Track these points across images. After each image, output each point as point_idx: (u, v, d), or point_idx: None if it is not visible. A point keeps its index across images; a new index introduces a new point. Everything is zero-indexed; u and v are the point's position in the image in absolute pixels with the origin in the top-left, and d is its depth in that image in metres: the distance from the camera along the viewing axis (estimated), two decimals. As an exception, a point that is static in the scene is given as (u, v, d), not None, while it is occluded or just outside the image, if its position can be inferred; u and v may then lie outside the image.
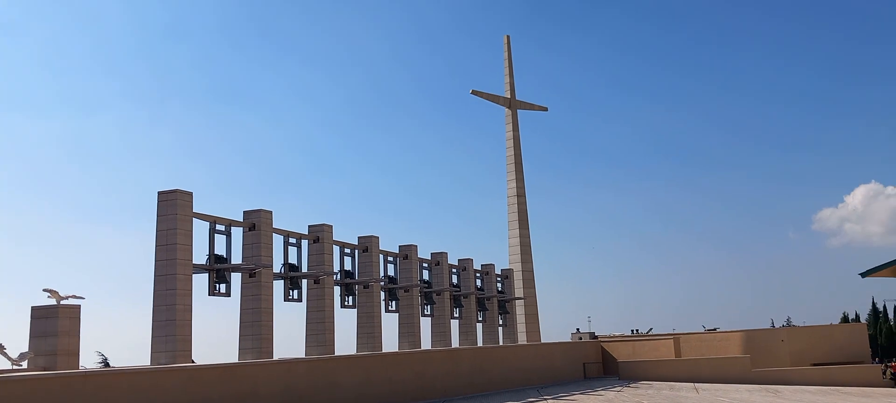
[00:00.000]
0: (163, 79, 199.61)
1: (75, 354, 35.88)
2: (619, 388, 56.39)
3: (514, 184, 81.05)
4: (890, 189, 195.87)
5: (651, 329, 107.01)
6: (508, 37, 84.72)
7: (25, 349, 35.29)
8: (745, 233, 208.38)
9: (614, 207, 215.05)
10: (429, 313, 60.32)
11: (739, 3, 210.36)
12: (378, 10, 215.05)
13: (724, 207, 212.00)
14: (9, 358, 34.97)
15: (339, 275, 51.64)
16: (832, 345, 67.45)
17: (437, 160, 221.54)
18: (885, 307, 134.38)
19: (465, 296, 64.57)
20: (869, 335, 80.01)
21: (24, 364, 34.85)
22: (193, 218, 40.43)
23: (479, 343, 65.85)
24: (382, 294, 55.30)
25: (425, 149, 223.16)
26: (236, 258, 43.55)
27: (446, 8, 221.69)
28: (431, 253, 61.43)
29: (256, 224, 44.31)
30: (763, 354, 66.46)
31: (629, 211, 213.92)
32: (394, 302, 56.78)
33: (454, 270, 64.27)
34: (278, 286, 46.66)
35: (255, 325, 43.17)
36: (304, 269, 48.47)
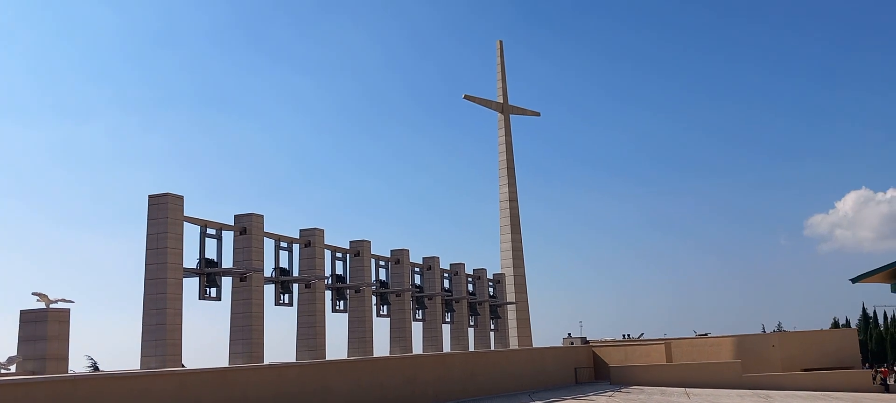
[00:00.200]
0: (154, 85, 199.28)
1: (64, 359, 35.65)
2: (610, 393, 56.38)
3: (507, 189, 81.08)
4: (880, 195, 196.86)
5: (642, 334, 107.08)
6: (501, 42, 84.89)
7: (14, 353, 35.04)
8: (737, 239, 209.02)
9: (606, 213, 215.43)
10: (420, 317, 60.23)
11: (730, 12, 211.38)
12: (370, 16, 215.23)
13: (715, 213, 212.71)
14: (-3, 363, 34.72)
15: (330, 280, 51.52)
16: (823, 351, 67.63)
17: (430, 164, 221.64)
18: (875, 312, 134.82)
19: (457, 301, 64.50)
20: (859, 340, 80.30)
21: (13, 369, 34.59)
22: (184, 222, 40.27)
23: (471, 348, 65.77)
24: (374, 298, 55.20)
25: (417, 154, 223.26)
26: (227, 262, 43.40)
27: (438, 13, 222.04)
28: (423, 258, 61.36)
29: (247, 228, 44.17)
30: (754, 359, 66.58)
31: (621, 217, 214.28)
32: (385, 307, 56.67)
33: (446, 275, 64.19)
34: (269, 290, 46.54)
35: (246, 329, 43.00)
36: (295, 273, 48.34)
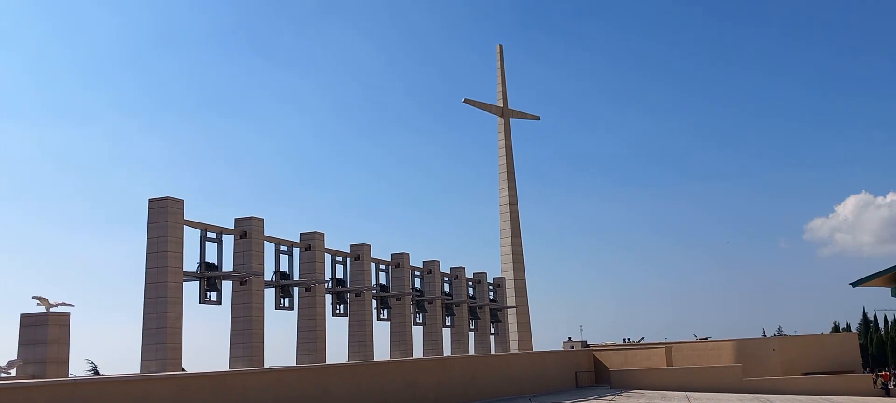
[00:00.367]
0: (153, 88, 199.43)
1: (65, 362, 35.58)
2: (610, 397, 56.36)
3: (507, 193, 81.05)
4: (880, 199, 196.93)
5: (643, 338, 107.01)
6: (501, 46, 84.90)
7: (14, 357, 35.00)
8: (737, 243, 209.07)
9: (606, 216, 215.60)
10: (421, 321, 60.19)
11: (730, 17, 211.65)
12: (370, 20, 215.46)
13: (715, 217, 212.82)
14: (-3, 366, 34.68)
15: (330, 283, 51.49)
16: (823, 355, 67.59)
17: (430, 168, 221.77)
18: (875, 316, 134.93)
19: (457, 305, 64.46)
20: (860, 344, 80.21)
21: (13, 373, 34.54)
22: (184, 226, 40.25)
23: (472, 352, 65.71)
24: (374, 302, 55.16)
25: (418, 158, 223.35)
26: (227, 266, 43.36)
27: (439, 17, 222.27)
28: (423, 262, 61.34)
29: (248, 231, 44.16)
30: (755, 363, 66.53)
31: (621, 221, 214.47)
32: (385, 311, 56.62)
33: (446, 279, 64.16)
34: (269, 294, 46.47)
35: (246, 333, 42.96)
36: (296, 277, 48.31)
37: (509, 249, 79.70)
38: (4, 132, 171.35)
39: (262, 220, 45.01)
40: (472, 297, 67.61)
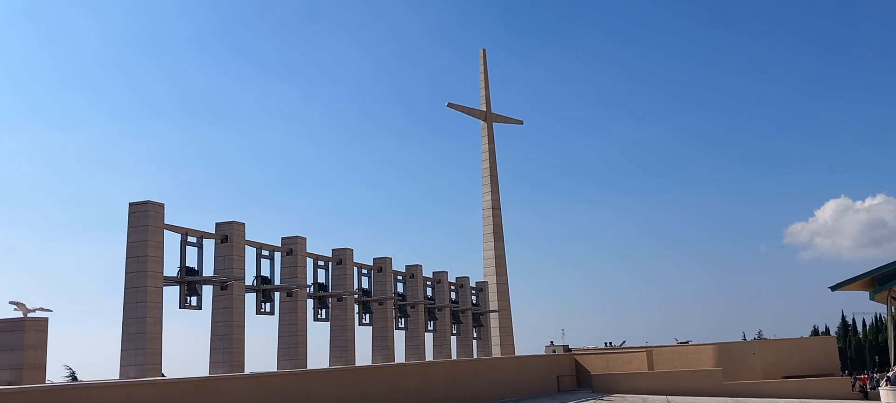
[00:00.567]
0: (136, 92, 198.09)
1: (42, 368, 35.16)
2: (592, 401, 56.54)
3: (490, 197, 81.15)
4: (859, 203, 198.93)
5: (624, 341, 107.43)
6: (484, 50, 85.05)
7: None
8: (717, 247, 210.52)
9: (590, 220, 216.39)
10: (403, 326, 60.06)
11: (713, 22, 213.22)
12: (355, 24, 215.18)
13: (696, 221, 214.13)
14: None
15: (312, 288, 51.28)
16: (803, 358, 68.20)
17: (413, 172, 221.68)
18: (854, 320, 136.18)
19: (440, 309, 64.40)
20: (839, 348, 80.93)
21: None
22: (165, 230, 39.96)
23: (454, 357, 65.67)
24: (356, 307, 54.98)
25: (401, 161, 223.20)
26: (208, 270, 43.10)
27: (424, 21, 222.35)
28: (406, 266, 61.24)
29: (229, 236, 43.90)
30: (735, 367, 66.99)
31: (604, 225, 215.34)
32: (367, 315, 56.45)
33: (429, 283, 64.10)
34: (250, 299, 46.21)
35: (227, 338, 42.68)
36: (277, 282, 48.07)
37: (492, 253, 79.80)
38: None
39: (243, 225, 44.79)
40: (455, 301, 67.57)
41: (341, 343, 51.98)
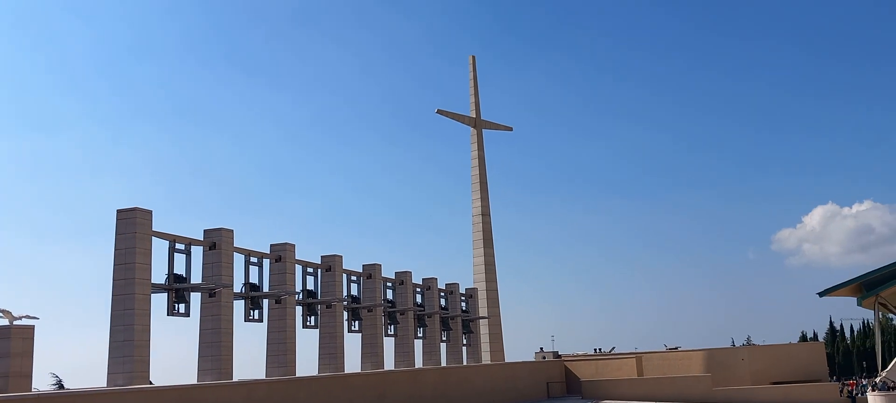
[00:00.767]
0: (125, 97, 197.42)
1: (28, 376, 34.92)
2: (582, 408, 56.56)
3: (479, 204, 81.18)
4: (846, 210, 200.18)
5: (614, 348, 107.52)
6: (473, 57, 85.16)
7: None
8: (706, 253, 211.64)
9: (581, 226, 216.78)
10: (392, 333, 59.93)
11: (703, 26, 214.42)
12: (346, 30, 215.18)
13: (684, 227, 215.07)
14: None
15: (301, 295, 51.12)
16: (791, 364, 68.42)
17: (403, 178, 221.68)
18: (842, 326, 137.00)
19: (429, 316, 64.32)
20: (827, 353, 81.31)
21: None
22: (153, 237, 39.79)
23: (443, 363, 65.57)
24: (345, 314, 54.84)
25: (391, 168, 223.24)
26: (196, 277, 42.89)
27: (415, 27, 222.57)
28: (395, 273, 61.13)
29: (217, 243, 43.75)
30: (724, 373, 67.15)
31: (596, 230, 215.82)
32: (357, 322, 56.30)
33: (418, 289, 64.00)
34: (239, 306, 46.00)
35: (215, 346, 42.49)
36: (266, 289, 47.88)
37: (482, 259, 79.81)
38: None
39: (232, 231, 44.65)
40: (444, 308, 67.48)
41: (330, 351, 51.82)
